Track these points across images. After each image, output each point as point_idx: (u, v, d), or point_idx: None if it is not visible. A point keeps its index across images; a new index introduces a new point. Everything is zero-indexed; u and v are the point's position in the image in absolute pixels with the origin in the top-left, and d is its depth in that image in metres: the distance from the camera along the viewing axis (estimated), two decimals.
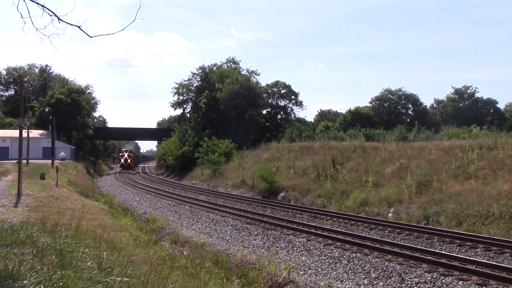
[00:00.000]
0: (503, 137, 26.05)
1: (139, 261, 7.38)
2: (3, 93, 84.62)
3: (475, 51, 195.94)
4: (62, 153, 57.08)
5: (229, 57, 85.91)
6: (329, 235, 15.40)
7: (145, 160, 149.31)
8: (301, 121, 66.82)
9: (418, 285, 10.10)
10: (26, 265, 5.12)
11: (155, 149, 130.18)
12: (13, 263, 5.21)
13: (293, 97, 66.73)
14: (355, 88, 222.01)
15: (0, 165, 39.17)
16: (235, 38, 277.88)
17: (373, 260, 12.05)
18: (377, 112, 63.93)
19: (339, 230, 16.62)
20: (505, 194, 16.70)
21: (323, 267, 12.16)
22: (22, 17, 5.25)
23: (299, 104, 67.09)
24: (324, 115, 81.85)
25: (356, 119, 57.43)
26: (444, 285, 9.90)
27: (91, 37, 6.08)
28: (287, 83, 66.73)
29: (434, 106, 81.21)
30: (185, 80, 68.12)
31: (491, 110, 74.82)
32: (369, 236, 15.25)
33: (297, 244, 14.71)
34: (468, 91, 76.56)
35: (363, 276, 11.08)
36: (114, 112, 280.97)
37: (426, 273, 10.59)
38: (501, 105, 79.01)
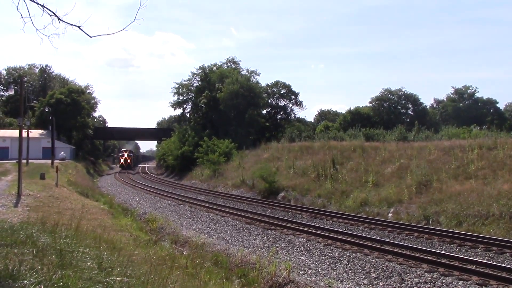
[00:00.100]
0: (503, 137, 26.07)
1: (139, 261, 7.37)
2: (3, 93, 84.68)
3: (475, 51, 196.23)
4: (62, 153, 57.08)
5: (229, 57, 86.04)
6: (329, 235, 15.40)
7: (145, 160, 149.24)
8: (301, 121, 66.84)
9: (418, 285, 10.10)
10: (26, 265, 5.12)
11: (155, 149, 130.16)
12: (13, 263, 5.21)
13: (293, 97, 66.79)
14: (355, 88, 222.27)
15: (0, 165, 39.16)
16: (235, 38, 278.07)
17: (373, 260, 12.05)
18: (377, 112, 63.94)
19: (339, 230, 16.62)
20: (505, 194, 16.70)
21: (323, 267, 12.16)
22: (22, 17, 5.26)
23: (299, 104, 67.21)
24: (324, 115, 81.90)
25: (356, 119, 57.46)
26: (444, 285, 9.90)
27: (91, 37, 6.09)
28: (287, 83, 66.88)
29: (434, 106, 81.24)
30: (185, 80, 68.21)
31: (491, 110, 74.82)
32: (369, 236, 15.25)
33: (297, 244, 14.71)
34: (468, 91, 76.55)
35: (363, 276, 11.08)
36: (114, 112, 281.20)
37: (426, 273, 10.59)
38: (501, 105, 79.18)
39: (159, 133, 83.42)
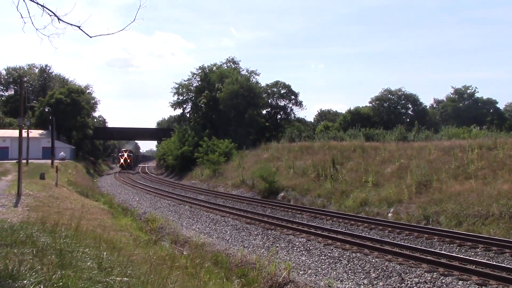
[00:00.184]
0: (502, 137, 26.08)
1: (139, 261, 7.37)
2: (3, 93, 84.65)
3: (475, 51, 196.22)
4: (62, 153, 57.08)
5: (229, 57, 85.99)
6: (329, 235, 15.40)
7: (145, 160, 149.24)
8: (301, 121, 66.83)
9: (418, 285, 10.10)
10: (26, 265, 5.12)
11: (155, 149, 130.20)
12: (13, 263, 5.21)
13: (293, 97, 66.78)
14: (355, 88, 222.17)
15: (0, 165, 39.17)
16: (235, 38, 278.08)
17: (373, 260, 12.05)
18: (377, 112, 63.96)
19: (339, 230, 16.62)
20: (505, 194, 16.71)
21: (323, 267, 12.16)
22: (22, 17, 5.25)
23: (299, 104, 67.20)
24: (324, 115, 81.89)
25: (356, 119, 57.47)
26: (444, 285, 9.90)
27: (91, 37, 6.09)
28: (287, 83, 66.85)
29: (434, 106, 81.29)
30: (185, 80, 68.18)
31: (491, 110, 74.84)
32: (369, 236, 15.25)
33: (297, 244, 14.71)
34: (468, 91, 76.57)
35: (363, 276, 11.08)
36: (114, 112, 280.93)
37: (426, 273, 10.59)
38: (501, 105, 79.19)
39: (159, 133, 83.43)
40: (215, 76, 63.53)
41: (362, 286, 10.51)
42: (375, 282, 10.61)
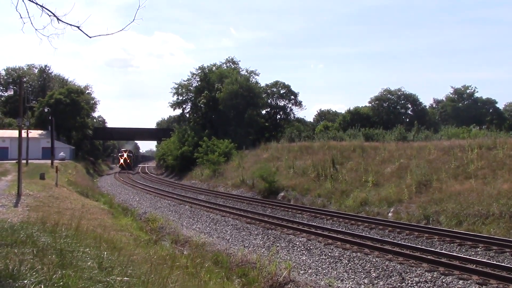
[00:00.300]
0: (502, 137, 26.08)
1: (139, 260, 7.37)
2: (3, 94, 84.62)
3: (475, 51, 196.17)
4: (61, 153, 57.06)
5: (229, 57, 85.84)
6: (330, 234, 15.40)
7: (145, 160, 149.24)
8: (301, 121, 66.87)
9: (418, 284, 10.11)
10: (27, 265, 5.11)
11: (154, 149, 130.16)
12: (13, 262, 5.20)
13: (292, 97, 66.82)
14: (355, 88, 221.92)
15: (0, 165, 39.15)
16: (235, 38, 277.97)
17: (374, 260, 12.05)
18: (376, 112, 63.97)
19: (339, 229, 16.62)
20: (505, 194, 16.71)
21: (324, 266, 12.16)
22: (21, 17, 5.26)
23: (298, 104, 67.26)
24: (324, 115, 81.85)
25: (356, 119, 57.48)
26: (445, 285, 9.90)
27: (90, 37, 6.09)
28: (286, 83, 66.92)
29: (434, 106, 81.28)
30: (184, 80, 68.19)
31: (490, 110, 74.83)
32: (369, 235, 15.25)
33: (297, 243, 14.71)
34: (468, 91, 76.56)
35: (363, 276, 11.08)
36: (113, 112, 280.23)
37: (426, 273, 10.60)
38: (501, 105, 79.10)
39: (159, 133, 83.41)
40: (215, 76, 63.54)
41: (363, 286, 10.51)
42: (376, 281, 10.61)
